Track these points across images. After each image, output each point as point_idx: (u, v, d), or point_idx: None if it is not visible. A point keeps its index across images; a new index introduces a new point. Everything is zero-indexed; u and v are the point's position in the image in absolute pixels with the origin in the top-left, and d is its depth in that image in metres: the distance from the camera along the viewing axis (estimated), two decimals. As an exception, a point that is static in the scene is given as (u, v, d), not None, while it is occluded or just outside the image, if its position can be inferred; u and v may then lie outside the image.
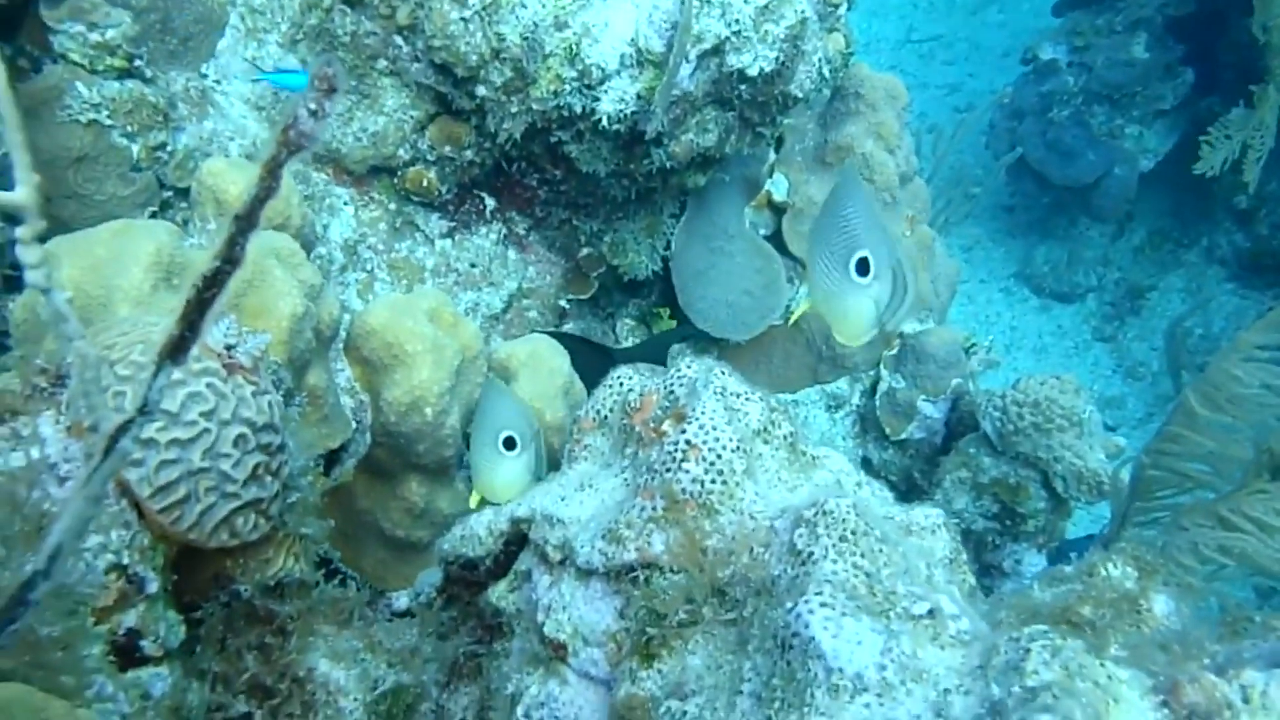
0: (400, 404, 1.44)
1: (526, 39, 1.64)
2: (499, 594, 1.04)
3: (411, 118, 1.86)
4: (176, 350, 0.52)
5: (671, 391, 0.96)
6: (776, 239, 2.27)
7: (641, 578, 0.86)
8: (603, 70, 1.64)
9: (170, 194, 1.76)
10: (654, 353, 2.12)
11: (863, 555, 0.76)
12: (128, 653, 0.87)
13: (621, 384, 1.05)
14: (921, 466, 2.25)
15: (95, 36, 1.66)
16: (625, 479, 0.96)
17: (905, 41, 5.79)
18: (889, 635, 0.71)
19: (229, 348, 0.95)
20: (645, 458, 0.92)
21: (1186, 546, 1.80)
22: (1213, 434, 1.89)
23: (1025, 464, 2.00)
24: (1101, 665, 0.64)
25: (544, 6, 1.63)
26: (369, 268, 1.96)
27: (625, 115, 1.68)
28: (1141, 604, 0.75)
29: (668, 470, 0.88)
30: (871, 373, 2.32)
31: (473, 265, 2.03)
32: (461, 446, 1.52)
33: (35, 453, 0.86)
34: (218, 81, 1.82)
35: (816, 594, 0.73)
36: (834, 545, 0.77)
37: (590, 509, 0.96)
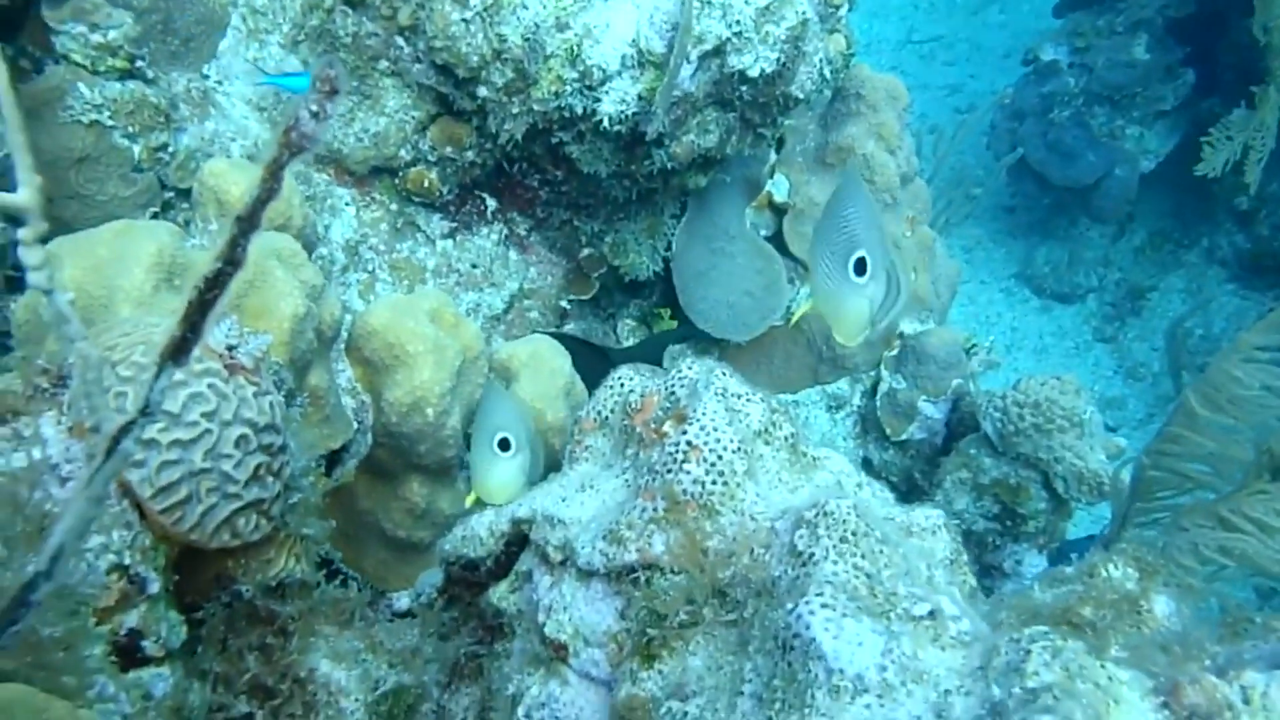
0: (402, 404, 1.44)
1: (528, 40, 1.64)
2: (500, 594, 1.04)
3: (413, 118, 1.86)
4: (178, 351, 0.52)
5: (672, 392, 0.96)
6: (777, 240, 2.27)
7: (642, 578, 0.86)
8: (604, 71, 1.64)
9: (172, 195, 1.76)
10: (654, 353, 2.12)
11: (863, 556, 0.76)
12: (129, 653, 0.87)
13: (622, 385, 1.05)
14: (922, 467, 2.25)
15: (97, 37, 1.66)
16: (626, 480, 0.96)
17: (906, 42, 5.80)
18: (890, 636, 0.71)
19: (231, 348, 0.95)
20: (646, 459, 0.92)
21: (1187, 547, 1.80)
22: (1213, 435, 1.89)
23: (1026, 465, 2.00)
24: (1102, 666, 0.64)
25: (545, 7, 1.63)
26: (370, 268, 1.96)
27: (626, 116, 1.68)
28: (1142, 605, 0.75)
29: (669, 471, 0.88)
30: (872, 373, 2.32)
31: (474, 266, 2.03)
32: (463, 447, 1.52)
33: (37, 453, 0.86)
34: (219, 82, 1.82)
35: (817, 595, 0.73)
36: (835, 546, 0.77)
37: (591, 510, 0.96)
